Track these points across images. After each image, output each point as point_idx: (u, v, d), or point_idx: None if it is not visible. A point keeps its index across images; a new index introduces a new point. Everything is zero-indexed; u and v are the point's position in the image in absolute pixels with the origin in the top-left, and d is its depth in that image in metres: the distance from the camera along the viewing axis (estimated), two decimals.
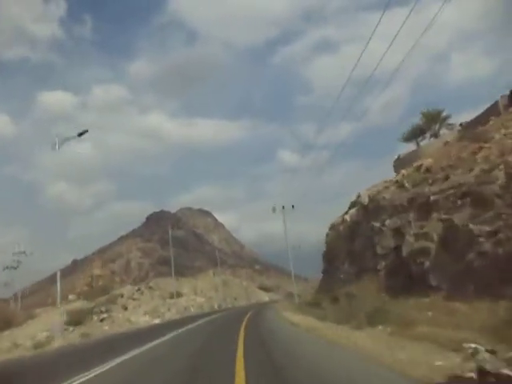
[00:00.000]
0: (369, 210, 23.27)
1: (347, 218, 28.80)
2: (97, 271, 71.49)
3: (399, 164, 27.87)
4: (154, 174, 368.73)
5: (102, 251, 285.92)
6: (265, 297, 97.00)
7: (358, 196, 25.44)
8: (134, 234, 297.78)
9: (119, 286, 75.92)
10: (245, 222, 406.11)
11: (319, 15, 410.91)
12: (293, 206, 47.15)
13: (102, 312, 40.16)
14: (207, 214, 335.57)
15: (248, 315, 32.37)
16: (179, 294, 60.48)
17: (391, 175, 26.21)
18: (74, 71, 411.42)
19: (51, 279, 76.29)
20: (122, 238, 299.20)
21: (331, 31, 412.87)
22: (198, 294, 62.79)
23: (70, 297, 66.38)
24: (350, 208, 31.00)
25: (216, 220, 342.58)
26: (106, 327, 36.41)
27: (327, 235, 35.66)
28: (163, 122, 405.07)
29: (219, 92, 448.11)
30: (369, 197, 23.75)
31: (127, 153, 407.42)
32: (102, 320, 38.41)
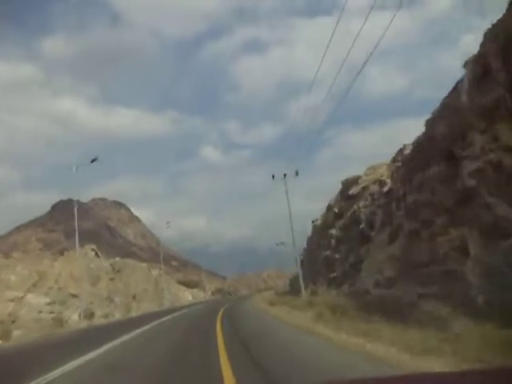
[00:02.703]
0: None
1: None
2: None
3: None
4: (65, 163, 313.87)
5: None
6: (188, 295, 59.83)
7: None
8: (35, 223, 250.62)
9: None
10: (163, 218, 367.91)
11: (251, 15, 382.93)
12: (297, 173, 33.01)
13: None
14: (122, 206, 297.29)
15: None
16: None
17: None
18: None
19: None
20: (20, 228, 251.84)
21: (261, 32, 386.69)
22: (40, 288, 25.72)
23: None
24: None
25: (132, 213, 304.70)
26: None
27: None
28: (79, 107, 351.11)
29: (144, 82, 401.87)
30: None
31: (36, 138, 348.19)
32: None
